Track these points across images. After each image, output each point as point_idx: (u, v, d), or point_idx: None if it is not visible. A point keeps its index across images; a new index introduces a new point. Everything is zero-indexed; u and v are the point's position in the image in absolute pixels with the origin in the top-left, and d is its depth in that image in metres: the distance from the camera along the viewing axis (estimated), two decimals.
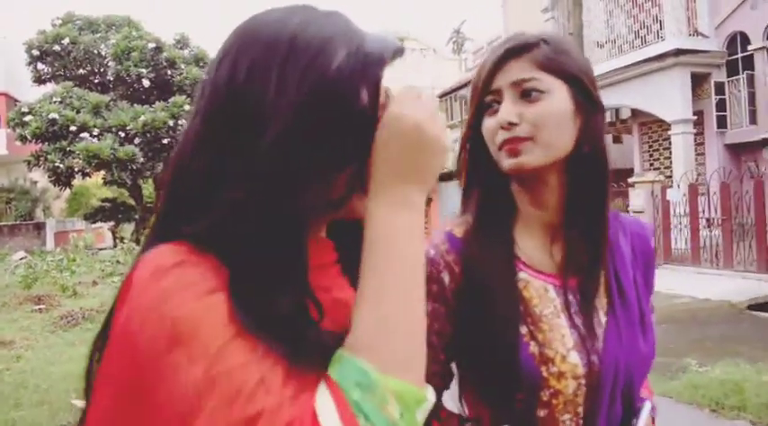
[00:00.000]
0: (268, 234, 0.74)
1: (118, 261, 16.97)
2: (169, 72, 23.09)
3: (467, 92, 24.69)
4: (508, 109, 1.10)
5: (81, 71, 23.56)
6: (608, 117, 18.78)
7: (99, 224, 27.68)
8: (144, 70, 22.53)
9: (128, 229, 26.23)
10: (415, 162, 0.76)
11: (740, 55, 15.06)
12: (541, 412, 1.11)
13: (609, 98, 16.18)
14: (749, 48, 14.77)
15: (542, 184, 1.16)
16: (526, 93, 1.11)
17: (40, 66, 23.77)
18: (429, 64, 33.55)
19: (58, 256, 16.34)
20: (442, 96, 27.93)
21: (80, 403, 3.65)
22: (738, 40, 15.09)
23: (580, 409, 1.11)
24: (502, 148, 1.12)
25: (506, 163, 1.12)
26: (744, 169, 14.08)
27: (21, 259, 17.61)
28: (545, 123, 1.10)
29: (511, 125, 1.10)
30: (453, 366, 1.24)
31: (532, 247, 1.19)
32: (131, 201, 25.08)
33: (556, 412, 1.11)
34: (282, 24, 0.78)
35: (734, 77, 15.15)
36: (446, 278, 1.18)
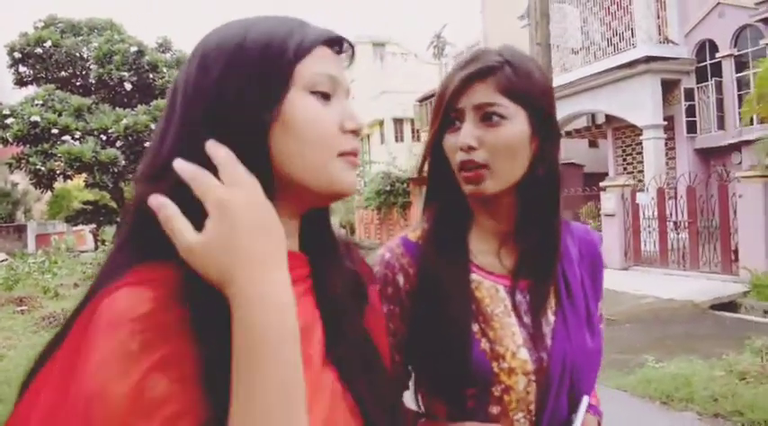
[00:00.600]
0: None
1: (99, 264, 17.02)
2: (151, 75, 23.05)
3: None
4: (468, 132, 1.15)
5: (63, 74, 23.45)
6: (584, 122, 19.21)
7: (80, 226, 27.58)
8: (126, 73, 22.50)
9: (109, 232, 26.18)
10: (265, 243, 0.71)
11: (709, 62, 15.48)
12: (494, 409, 1.15)
13: (583, 103, 16.59)
14: (717, 55, 15.21)
15: (497, 200, 1.21)
16: (487, 117, 1.15)
17: (21, 68, 23.60)
18: (410, 68, 33.74)
19: (40, 258, 16.40)
20: (422, 100, 28.09)
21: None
22: (707, 48, 15.51)
23: (532, 407, 1.16)
24: (461, 172, 1.18)
25: (466, 188, 1.18)
26: (712, 173, 14.47)
27: (2, 261, 17.65)
28: (501, 151, 1.15)
29: (470, 148, 1.15)
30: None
31: (485, 251, 1.25)
32: (113, 204, 25.03)
33: (509, 411, 1.15)
34: (234, 28, 0.82)
35: (703, 84, 15.58)
36: (401, 280, 1.23)
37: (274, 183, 0.78)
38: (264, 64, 0.79)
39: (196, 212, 0.71)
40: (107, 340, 0.66)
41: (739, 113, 12.96)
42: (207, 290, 0.70)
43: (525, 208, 1.22)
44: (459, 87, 1.16)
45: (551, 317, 1.20)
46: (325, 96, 0.83)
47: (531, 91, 1.16)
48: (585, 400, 1.19)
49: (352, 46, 0.89)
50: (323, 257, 0.91)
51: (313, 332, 0.84)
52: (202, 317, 0.70)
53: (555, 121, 1.21)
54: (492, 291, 1.21)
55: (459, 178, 1.19)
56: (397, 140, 32.16)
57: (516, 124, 1.15)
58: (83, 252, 23.18)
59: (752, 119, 13.07)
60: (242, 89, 0.78)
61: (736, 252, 10.69)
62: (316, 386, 0.80)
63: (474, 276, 1.22)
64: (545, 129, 1.18)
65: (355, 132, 0.85)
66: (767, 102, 10.07)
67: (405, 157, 26.88)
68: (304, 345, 0.77)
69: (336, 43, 0.86)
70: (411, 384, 1.28)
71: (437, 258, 1.22)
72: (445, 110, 1.19)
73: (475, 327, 1.17)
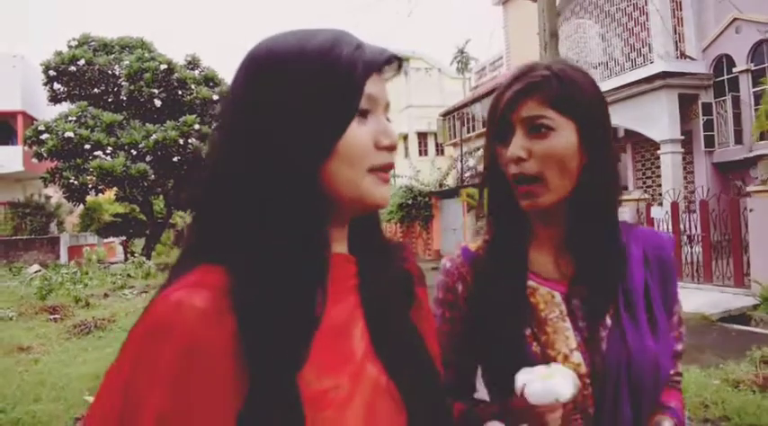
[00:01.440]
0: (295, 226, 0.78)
1: (129, 275, 17.59)
2: (180, 92, 23.64)
3: (469, 110, 24.98)
4: (518, 143, 1.19)
5: (95, 91, 24.11)
6: None
7: (111, 238, 28.37)
8: (156, 90, 23.11)
9: (138, 244, 26.81)
10: None
11: (726, 77, 15.61)
12: None
13: None
14: (734, 70, 15.33)
15: (550, 210, 1.24)
16: (535, 128, 1.18)
17: (56, 85, 24.27)
18: (434, 82, 34.05)
19: (72, 269, 16.87)
20: (445, 115, 28.39)
21: (93, 400, 4.45)
22: (724, 63, 15.65)
23: (590, 410, 1.18)
24: (515, 187, 1.22)
25: (522, 203, 1.22)
26: (731, 187, 14.57)
27: (36, 272, 18.20)
28: (550, 160, 1.18)
29: (520, 160, 1.19)
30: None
31: (542, 259, 1.28)
32: (142, 217, 25.66)
33: (567, 412, 1.15)
34: (290, 41, 0.84)
35: (720, 98, 15.71)
36: (459, 287, 1.30)
37: (323, 198, 0.82)
38: (330, 84, 0.81)
39: (252, 219, 0.78)
40: (149, 346, 0.72)
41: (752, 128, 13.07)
42: (256, 297, 0.76)
43: (577, 216, 1.24)
44: (510, 102, 1.20)
45: (608, 322, 1.22)
46: (363, 113, 0.84)
47: (579, 103, 1.18)
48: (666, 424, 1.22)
49: (401, 61, 0.90)
50: (371, 258, 0.94)
51: (353, 328, 0.87)
52: (249, 321, 0.75)
53: (606, 132, 1.22)
54: (548, 297, 1.25)
55: (515, 192, 1.22)
56: (420, 154, 32.49)
57: (564, 135, 1.17)
58: (113, 263, 23.76)
59: (762, 135, 13.19)
60: (304, 109, 0.80)
61: (748, 265, 10.81)
62: (357, 379, 0.84)
63: (530, 283, 1.26)
64: (595, 140, 1.20)
65: (390, 148, 0.87)
66: None
67: (428, 171, 27.16)
68: (344, 340, 0.84)
69: (387, 62, 0.87)
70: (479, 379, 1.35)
71: (495, 266, 1.26)
72: (498, 124, 1.23)
73: (527, 331, 1.21)
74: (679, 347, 1.33)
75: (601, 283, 1.23)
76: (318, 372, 0.79)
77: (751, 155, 13.88)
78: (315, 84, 0.80)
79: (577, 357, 1.19)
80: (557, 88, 1.18)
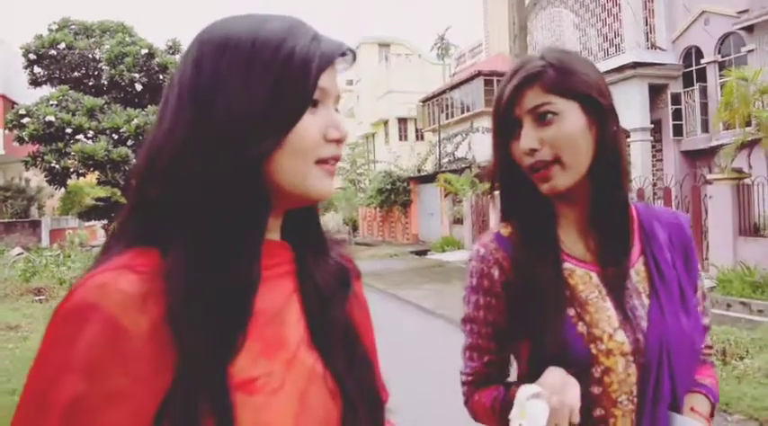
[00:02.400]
0: (233, 205, 0.77)
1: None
2: (161, 76, 23.54)
3: (448, 96, 25.16)
4: (528, 135, 1.20)
5: (76, 74, 24.02)
6: None
7: (92, 222, 28.44)
8: (137, 75, 23.10)
9: None
10: None
11: (695, 68, 16.11)
12: (595, 390, 1.18)
13: None
14: (702, 61, 15.84)
15: (573, 190, 1.24)
16: (541, 116, 1.19)
17: (36, 69, 24.14)
18: (414, 68, 34.25)
19: (55, 252, 17.07)
20: (425, 101, 28.66)
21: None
22: (693, 54, 16.15)
23: (634, 389, 1.18)
24: (532, 174, 1.23)
25: (542, 187, 1.23)
26: (697, 175, 15.10)
27: (18, 254, 18.38)
28: (564, 143, 1.19)
29: (533, 150, 1.20)
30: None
31: (573, 241, 1.28)
32: (123, 200, 25.70)
33: (611, 392, 1.18)
34: (242, 27, 0.82)
35: (689, 88, 16.21)
36: (496, 273, 1.29)
37: (266, 187, 0.81)
38: (285, 75, 0.79)
39: (193, 204, 0.77)
40: (68, 327, 0.70)
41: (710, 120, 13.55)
42: (190, 282, 0.74)
43: (597, 194, 1.25)
44: (511, 97, 1.22)
45: (646, 300, 1.23)
46: (314, 104, 0.83)
47: (578, 84, 1.20)
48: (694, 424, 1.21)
49: (354, 54, 0.89)
50: (309, 249, 0.93)
51: (287, 315, 0.87)
52: (181, 306, 0.73)
53: (607, 106, 1.23)
54: (585, 278, 1.25)
55: (534, 180, 1.24)
56: (400, 139, 32.74)
57: (570, 117, 1.19)
58: (94, 246, 23.93)
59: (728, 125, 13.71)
60: (256, 98, 0.78)
61: (707, 249, 11.33)
62: (290, 366, 0.83)
63: (567, 264, 1.26)
64: (601, 115, 1.21)
65: (338, 141, 0.85)
66: (733, 110, 10.69)
67: (408, 156, 27.49)
68: (277, 327, 0.83)
69: (342, 55, 0.86)
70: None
71: (529, 250, 1.26)
72: (504, 120, 1.25)
73: (571, 312, 1.21)
74: (706, 321, 1.34)
75: (621, 261, 1.26)
76: (251, 358, 0.78)
77: (715, 144, 14.42)
78: (269, 74, 0.78)
79: (621, 335, 1.19)
80: (554, 75, 1.20)
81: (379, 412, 0.97)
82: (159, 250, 0.77)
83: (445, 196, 22.46)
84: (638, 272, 1.26)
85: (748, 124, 11.40)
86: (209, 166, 0.77)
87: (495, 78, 22.25)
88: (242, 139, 0.77)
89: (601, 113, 1.22)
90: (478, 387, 1.34)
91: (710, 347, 1.40)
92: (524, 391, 1.09)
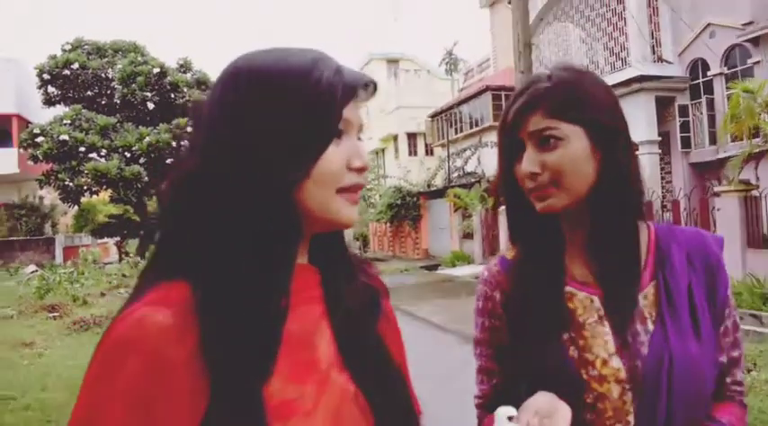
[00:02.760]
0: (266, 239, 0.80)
1: (123, 275, 18.02)
2: (172, 95, 24.06)
3: (457, 111, 25.21)
4: (530, 159, 1.18)
5: (89, 94, 24.49)
6: None
7: (105, 239, 28.76)
8: (149, 93, 23.55)
9: (132, 244, 27.14)
10: None
11: (701, 80, 16.15)
12: (589, 416, 1.16)
13: None
14: (708, 73, 15.87)
15: (575, 214, 1.22)
16: (544, 141, 1.16)
17: (50, 89, 24.66)
18: (423, 83, 34.43)
19: (69, 269, 17.25)
20: (433, 116, 28.79)
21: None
22: (700, 67, 16.20)
23: (630, 417, 1.14)
24: (530, 195, 1.21)
25: (538, 206, 1.21)
26: (707, 187, 15.09)
27: (33, 272, 18.55)
28: (564, 169, 1.16)
29: (534, 174, 1.18)
30: None
31: (578, 264, 1.25)
32: (136, 218, 26.02)
33: (605, 419, 1.15)
34: (270, 61, 0.85)
35: (696, 101, 16.23)
36: (497, 295, 1.30)
37: (296, 214, 0.84)
38: (312, 108, 0.82)
39: (223, 234, 0.80)
40: (113, 362, 0.74)
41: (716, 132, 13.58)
42: (221, 311, 0.77)
43: (598, 218, 1.21)
44: (515, 119, 1.19)
45: (651, 326, 1.18)
46: (338, 134, 0.85)
47: (585, 107, 1.17)
48: None
49: (375, 85, 0.91)
50: (336, 271, 0.94)
51: (318, 338, 0.89)
52: (214, 337, 0.76)
53: (618, 131, 1.20)
54: (586, 302, 1.22)
55: (531, 199, 1.22)
56: (410, 154, 32.85)
57: (574, 143, 1.16)
58: (107, 263, 24.16)
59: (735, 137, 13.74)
60: (286, 130, 0.81)
61: None
62: (322, 388, 0.85)
63: (568, 288, 1.24)
64: (607, 141, 1.17)
65: (360, 170, 0.88)
66: (739, 122, 10.74)
67: (417, 171, 27.58)
68: (308, 351, 0.85)
69: (364, 86, 0.89)
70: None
71: (531, 273, 1.26)
72: (509, 141, 1.23)
73: (565, 336, 1.19)
74: (735, 353, 1.24)
75: (624, 286, 1.21)
76: (283, 382, 0.80)
77: (723, 156, 14.44)
78: (297, 107, 0.81)
79: (616, 361, 1.16)
80: (559, 97, 1.17)
81: None
82: (188, 282, 0.79)
83: (455, 211, 22.52)
84: (646, 297, 1.21)
85: (756, 136, 11.43)
86: (242, 196, 0.80)
87: (503, 93, 22.35)
88: (273, 169, 0.80)
89: (607, 139, 1.18)
90: (488, 411, 1.30)
91: (740, 383, 1.26)
92: (502, 411, 1.06)
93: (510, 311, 1.27)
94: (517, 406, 1.24)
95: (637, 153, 1.24)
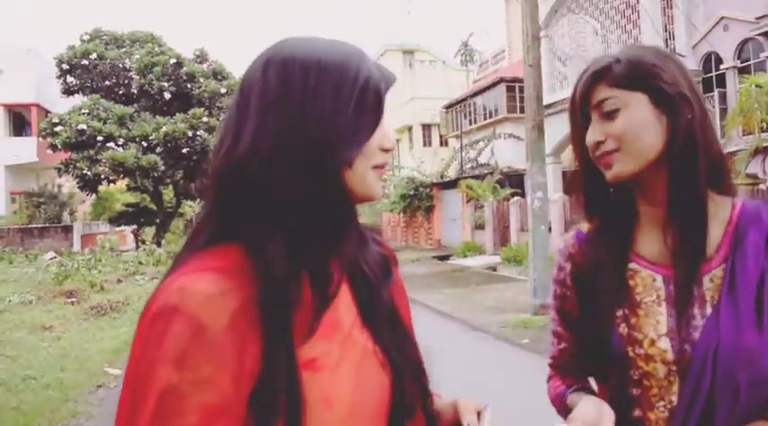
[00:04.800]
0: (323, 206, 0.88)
1: (140, 262, 18.33)
2: (189, 85, 24.24)
3: (471, 102, 25.17)
4: (594, 129, 1.20)
5: (107, 83, 24.70)
6: None
7: (122, 227, 29.06)
8: (165, 83, 23.75)
9: (149, 232, 27.44)
10: None
11: (714, 73, 16.16)
12: (634, 391, 1.18)
13: None
14: (722, 67, 15.89)
15: (650, 183, 1.21)
16: (608, 111, 1.18)
17: (69, 79, 24.95)
18: (438, 74, 34.42)
19: (86, 256, 17.60)
20: (448, 107, 28.85)
21: (112, 371, 5.32)
22: (713, 60, 16.20)
23: (674, 398, 1.15)
24: (599, 164, 1.22)
25: (606, 175, 1.21)
26: None
27: (51, 259, 18.85)
28: (626, 135, 1.17)
29: (598, 144, 1.20)
30: None
31: (649, 241, 1.24)
32: (153, 206, 26.38)
33: (650, 396, 1.17)
34: (322, 49, 0.92)
35: (709, 94, 16.20)
36: (568, 265, 1.34)
37: (345, 187, 0.91)
38: (365, 96, 0.91)
39: (266, 210, 0.86)
40: (165, 333, 0.79)
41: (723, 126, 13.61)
42: (285, 275, 0.84)
43: (674, 185, 1.19)
44: (582, 93, 1.22)
45: (709, 311, 1.15)
46: None
47: (645, 74, 1.17)
48: None
49: (394, 80, 0.99)
50: (352, 239, 1.00)
51: (339, 301, 0.95)
52: (270, 301, 0.83)
53: (683, 97, 1.17)
54: (648, 280, 1.22)
55: (601, 169, 1.22)
56: (424, 145, 32.90)
57: (634, 109, 1.17)
58: (124, 251, 24.41)
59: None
60: (343, 115, 0.88)
61: None
62: (346, 345, 0.93)
63: (632, 265, 1.24)
64: (671, 107, 1.16)
65: (389, 150, 0.97)
66: (746, 116, 10.77)
67: (431, 162, 27.67)
68: (332, 312, 0.91)
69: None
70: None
71: (599, 247, 1.28)
72: (577, 114, 1.25)
73: (619, 312, 1.21)
74: None
75: (696, 267, 1.18)
76: (313, 340, 0.87)
77: (734, 149, 14.46)
78: (353, 94, 0.89)
79: (664, 343, 1.16)
80: (620, 68, 1.18)
81: (424, 380, 1.06)
82: (242, 245, 0.86)
83: (467, 201, 22.62)
84: (712, 280, 1.17)
85: (766, 130, 11.45)
86: (300, 173, 0.85)
87: (517, 84, 22.31)
88: (330, 150, 0.86)
89: (671, 103, 1.16)
90: (556, 372, 1.39)
91: None
92: None
93: (578, 282, 1.30)
94: (578, 374, 1.34)
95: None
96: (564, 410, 1.28)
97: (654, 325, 1.17)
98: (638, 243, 1.25)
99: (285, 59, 0.89)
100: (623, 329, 1.18)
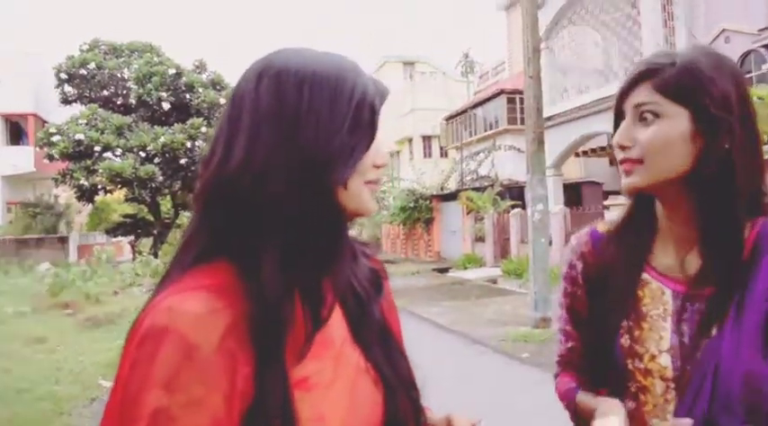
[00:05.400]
0: (314, 224, 0.85)
1: (137, 273, 18.10)
2: (187, 95, 24.21)
3: (471, 114, 25.20)
4: (623, 131, 1.15)
5: (105, 93, 24.71)
6: (604, 141, 19.85)
7: (119, 238, 28.91)
8: (164, 94, 23.69)
9: (146, 243, 27.29)
10: None
11: None
12: (630, 404, 1.15)
13: (597, 124, 17.30)
14: None
15: (672, 200, 1.17)
16: (643, 116, 1.13)
17: (67, 88, 24.89)
18: (439, 86, 34.40)
19: (82, 268, 17.41)
20: (448, 119, 28.80)
21: (107, 384, 5.17)
22: None
23: (669, 417, 1.12)
24: (620, 167, 1.18)
25: (622, 182, 1.17)
26: None
27: (47, 269, 18.67)
28: (654, 147, 1.11)
29: (623, 147, 1.15)
30: None
31: (664, 253, 1.21)
32: (150, 217, 26.23)
33: (644, 411, 1.15)
34: (317, 61, 0.89)
35: None
36: (579, 264, 1.31)
37: (337, 204, 0.89)
38: (361, 111, 0.88)
39: (257, 224, 0.84)
40: (155, 353, 0.77)
41: None
42: (282, 280, 0.83)
43: (703, 208, 1.15)
44: (625, 89, 1.17)
45: (714, 331, 1.12)
46: None
47: (697, 91, 1.10)
48: None
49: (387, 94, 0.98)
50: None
51: (331, 318, 0.92)
52: (263, 321, 0.81)
53: (729, 122, 1.10)
54: (657, 293, 1.19)
55: (620, 172, 1.19)
56: (425, 156, 32.84)
57: (673, 122, 1.11)
58: (121, 262, 24.24)
59: None
60: (338, 130, 0.86)
61: None
62: (338, 362, 0.92)
63: (644, 275, 1.21)
64: (713, 130, 1.10)
65: (381, 166, 0.95)
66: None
67: (431, 173, 27.60)
68: (324, 329, 0.89)
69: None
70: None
71: (614, 252, 1.25)
72: (616, 111, 1.20)
73: (624, 323, 1.19)
74: None
75: (728, 291, 1.12)
76: (303, 360, 0.87)
77: None
78: (348, 109, 0.86)
79: (665, 359, 1.14)
80: (672, 75, 1.11)
81: (416, 395, 1.05)
82: (232, 263, 0.84)
83: (467, 213, 22.52)
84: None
85: (767, 142, 11.36)
86: (293, 189, 0.83)
87: (517, 96, 22.26)
88: (324, 166, 0.84)
89: (715, 128, 1.10)
90: (563, 369, 1.37)
91: None
92: None
93: (589, 282, 1.29)
94: (585, 373, 1.30)
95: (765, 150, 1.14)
96: (572, 407, 1.27)
97: (657, 341, 1.15)
98: (653, 253, 1.22)
99: (279, 72, 0.87)
100: (625, 341, 1.17)
